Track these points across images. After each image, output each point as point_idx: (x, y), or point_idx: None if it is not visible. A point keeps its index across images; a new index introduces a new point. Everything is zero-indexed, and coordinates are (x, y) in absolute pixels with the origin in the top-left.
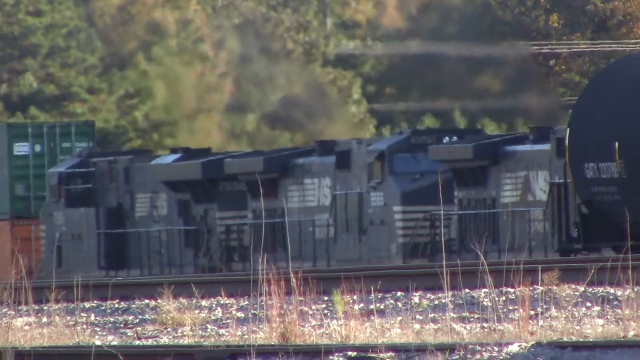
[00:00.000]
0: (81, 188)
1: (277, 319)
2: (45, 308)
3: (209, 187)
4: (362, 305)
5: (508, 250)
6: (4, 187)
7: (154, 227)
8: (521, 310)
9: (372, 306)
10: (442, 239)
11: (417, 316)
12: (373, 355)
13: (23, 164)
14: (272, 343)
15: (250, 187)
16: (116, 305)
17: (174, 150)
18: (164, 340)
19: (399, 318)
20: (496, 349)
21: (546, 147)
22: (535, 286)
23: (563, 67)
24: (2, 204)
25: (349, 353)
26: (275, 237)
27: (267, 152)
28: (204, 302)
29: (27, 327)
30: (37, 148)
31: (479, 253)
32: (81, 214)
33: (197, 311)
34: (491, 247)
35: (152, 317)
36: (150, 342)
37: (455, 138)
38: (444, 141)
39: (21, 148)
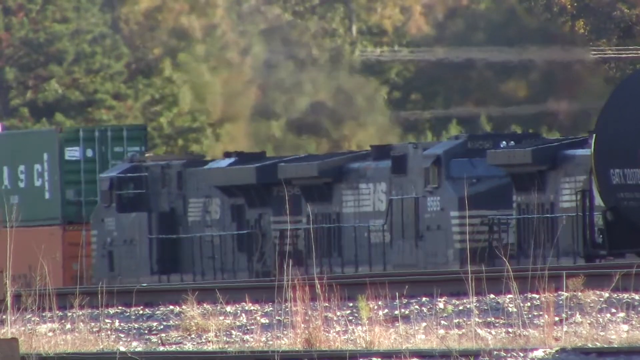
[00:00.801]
0: (133, 193)
1: (302, 325)
2: (69, 314)
3: (263, 192)
4: (386, 311)
5: (567, 255)
6: (55, 192)
7: (206, 232)
8: (546, 316)
9: (396, 312)
10: (498, 243)
11: (442, 322)
12: None
13: (74, 168)
14: (297, 349)
15: (304, 191)
16: (140, 312)
17: (227, 155)
18: (188, 346)
19: (424, 324)
20: (521, 354)
21: None
22: (560, 292)
23: (589, 73)
24: (53, 209)
25: (374, 359)
26: (330, 242)
27: (322, 156)
28: (228, 308)
29: (51, 334)
30: (89, 153)
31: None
32: (133, 219)
33: (221, 317)
34: (549, 252)
35: (177, 323)
36: (174, 348)
37: (512, 142)
38: (501, 145)
39: (72, 153)
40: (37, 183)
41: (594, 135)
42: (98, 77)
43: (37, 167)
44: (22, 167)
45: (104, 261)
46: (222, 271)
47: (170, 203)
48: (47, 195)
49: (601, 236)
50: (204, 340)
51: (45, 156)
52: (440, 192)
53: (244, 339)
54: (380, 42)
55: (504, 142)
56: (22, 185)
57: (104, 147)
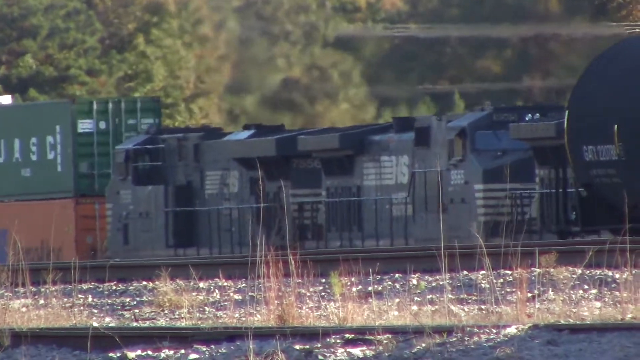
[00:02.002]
0: (149, 165)
1: (275, 301)
2: (42, 290)
3: (283, 164)
4: (360, 287)
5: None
6: (67, 165)
7: (224, 205)
8: (519, 292)
9: (370, 288)
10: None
11: (415, 298)
12: (370, 337)
13: (87, 141)
14: (270, 325)
15: (324, 164)
16: (114, 287)
17: (246, 127)
18: (161, 322)
19: (397, 300)
20: (494, 331)
21: None
22: (532, 269)
23: (562, 49)
24: (66, 182)
25: (347, 335)
26: (351, 215)
27: (342, 128)
28: (201, 284)
29: (24, 309)
30: (102, 125)
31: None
32: (149, 192)
33: (194, 293)
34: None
35: (150, 299)
36: (147, 324)
37: (537, 115)
38: (527, 119)
39: (85, 125)
40: (50, 156)
41: (567, 111)
42: (72, 53)
43: (50, 139)
44: (34, 140)
45: (119, 234)
46: (240, 245)
47: (187, 176)
48: (59, 168)
49: (574, 213)
50: (177, 316)
51: (57, 128)
52: (465, 164)
53: (217, 315)
54: (353, 19)
55: (529, 115)
56: (34, 158)
57: (117, 119)
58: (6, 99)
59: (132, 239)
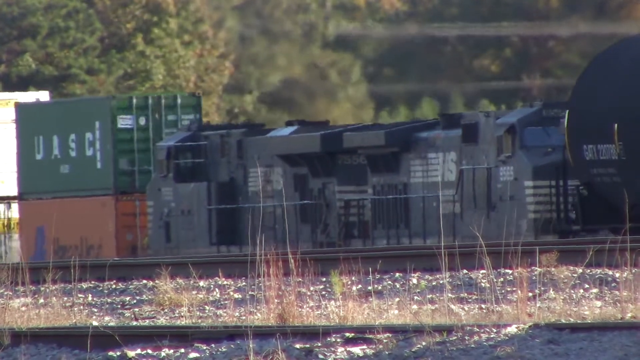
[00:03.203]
0: (191, 162)
1: (275, 300)
2: (42, 289)
3: (328, 161)
4: (360, 286)
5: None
6: (107, 162)
7: (267, 203)
8: (519, 291)
9: (370, 287)
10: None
11: (415, 297)
12: (371, 336)
13: (127, 137)
14: (270, 324)
15: (370, 161)
16: (114, 286)
17: (289, 123)
18: (161, 321)
19: (397, 299)
20: (494, 330)
21: None
22: (533, 268)
23: (562, 48)
24: (105, 179)
25: (347, 334)
26: (397, 213)
27: (388, 125)
28: (201, 283)
29: (24, 308)
30: (142, 121)
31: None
32: (191, 189)
33: (194, 292)
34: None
35: (150, 297)
36: (147, 322)
37: None
38: None
39: (125, 121)
40: (89, 152)
41: (567, 110)
42: (71, 52)
43: (89, 135)
44: (72, 136)
45: (160, 232)
46: (284, 242)
47: (229, 172)
48: (98, 165)
49: (574, 212)
50: (177, 315)
51: (97, 124)
52: (514, 161)
53: (217, 313)
54: (353, 18)
55: None
56: (72, 154)
57: (157, 115)
58: (43, 95)
59: (174, 236)
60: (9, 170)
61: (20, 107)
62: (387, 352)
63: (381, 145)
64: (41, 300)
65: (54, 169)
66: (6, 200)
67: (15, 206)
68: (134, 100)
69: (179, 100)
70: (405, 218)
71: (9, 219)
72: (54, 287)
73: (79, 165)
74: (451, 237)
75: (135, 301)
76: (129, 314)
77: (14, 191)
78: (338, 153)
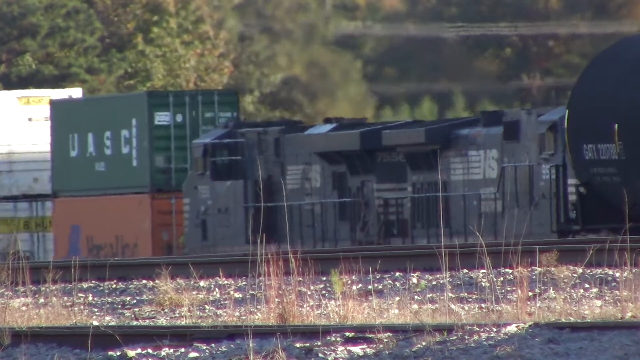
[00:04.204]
0: (228, 160)
1: (275, 300)
2: (42, 289)
3: (367, 159)
4: (360, 285)
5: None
6: (143, 159)
7: (305, 201)
8: (519, 291)
9: (370, 286)
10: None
11: (415, 296)
12: (371, 335)
13: (163, 134)
14: (270, 324)
15: (409, 158)
16: (114, 286)
17: (327, 121)
18: (162, 321)
19: (397, 298)
20: (494, 329)
21: None
22: (533, 267)
23: (563, 48)
24: (141, 176)
25: (347, 333)
26: (437, 211)
27: (428, 122)
28: (202, 283)
29: (24, 308)
30: (179, 118)
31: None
32: (228, 186)
33: (194, 292)
34: None
35: (150, 297)
36: (147, 322)
37: None
38: None
39: (162, 118)
40: (125, 150)
41: (567, 110)
42: (72, 52)
43: (125, 133)
44: (108, 133)
45: (197, 230)
46: (322, 241)
47: (267, 170)
48: (134, 163)
49: (574, 211)
50: (177, 315)
51: (133, 122)
52: (557, 159)
53: (218, 313)
54: (353, 17)
55: None
56: (108, 152)
57: (194, 112)
58: (76, 92)
59: (211, 235)
60: (43, 168)
61: (54, 104)
62: (387, 352)
63: (421, 142)
64: (41, 300)
65: (88, 166)
66: (40, 198)
67: (49, 204)
68: (171, 97)
69: (215, 97)
70: (445, 216)
71: (43, 218)
72: (54, 287)
73: (115, 163)
74: (492, 236)
75: (135, 301)
76: (129, 314)
77: (47, 189)
78: (377, 151)
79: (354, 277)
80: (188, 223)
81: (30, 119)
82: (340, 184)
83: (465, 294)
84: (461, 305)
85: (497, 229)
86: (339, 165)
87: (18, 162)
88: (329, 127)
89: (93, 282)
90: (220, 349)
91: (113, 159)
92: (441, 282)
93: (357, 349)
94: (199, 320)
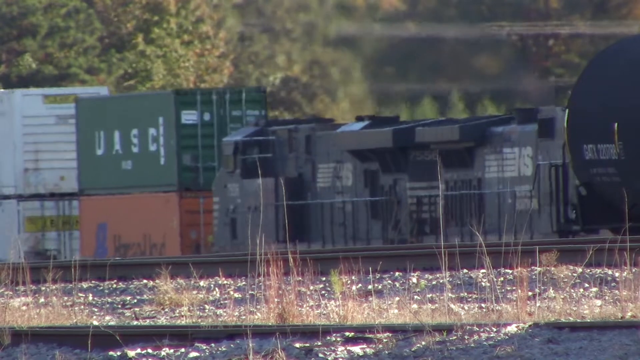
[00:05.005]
0: (258, 158)
1: (275, 300)
2: (42, 288)
3: (399, 156)
4: (360, 285)
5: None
6: (171, 158)
7: (337, 199)
8: (519, 291)
9: (370, 287)
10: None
11: (415, 296)
12: (370, 335)
13: (191, 133)
14: (270, 324)
15: (443, 156)
16: (114, 286)
17: (359, 118)
18: (162, 320)
19: (397, 298)
20: (494, 329)
21: None
22: (533, 267)
23: (562, 48)
24: (169, 175)
25: (347, 333)
26: (472, 209)
27: (461, 120)
28: (201, 283)
29: (24, 307)
30: (206, 116)
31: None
32: (258, 185)
33: (194, 291)
34: None
35: (150, 297)
36: (147, 322)
37: None
38: None
39: (189, 116)
40: (152, 148)
41: (567, 110)
42: (71, 52)
43: (152, 131)
44: (134, 132)
45: (226, 229)
46: (354, 239)
47: (298, 168)
48: (162, 161)
49: (574, 211)
50: (177, 315)
51: (160, 120)
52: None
53: (217, 313)
54: (353, 17)
55: None
56: (135, 150)
57: (222, 110)
58: (102, 90)
59: (240, 233)
60: (69, 166)
61: (80, 102)
62: (387, 352)
63: (455, 140)
64: (42, 300)
65: (115, 164)
66: (67, 196)
67: (75, 203)
68: (199, 96)
69: (243, 96)
70: (479, 214)
71: (70, 216)
72: (54, 287)
73: (142, 161)
74: (528, 234)
75: (135, 301)
76: (130, 314)
77: (74, 187)
78: (410, 148)
79: (353, 277)
80: (217, 222)
81: (56, 117)
82: (372, 182)
83: (465, 294)
84: (461, 305)
85: (532, 227)
86: (371, 163)
87: (45, 160)
88: (361, 124)
89: (93, 282)
90: (220, 349)
91: (140, 157)
92: (441, 282)
93: (356, 349)
94: (199, 320)
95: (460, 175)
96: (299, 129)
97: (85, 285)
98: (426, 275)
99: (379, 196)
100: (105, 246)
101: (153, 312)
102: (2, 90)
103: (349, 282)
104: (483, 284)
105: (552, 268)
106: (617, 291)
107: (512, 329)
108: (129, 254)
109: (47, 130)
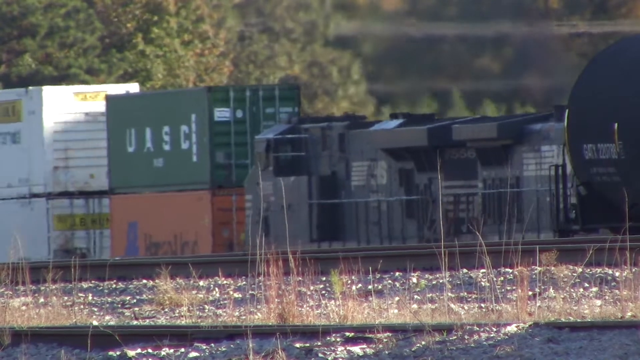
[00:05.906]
0: (292, 156)
1: (275, 300)
2: (42, 288)
3: (434, 155)
4: (360, 285)
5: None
6: (203, 155)
7: (371, 198)
8: (519, 290)
9: (370, 286)
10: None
11: (415, 296)
12: (371, 335)
13: (224, 130)
14: (270, 324)
15: (480, 154)
16: (114, 286)
17: (394, 116)
18: (161, 320)
19: (397, 298)
20: (494, 329)
21: None
22: (533, 267)
23: (562, 47)
24: (201, 173)
25: (347, 334)
26: (509, 207)
27: (498, 117)
28: (201, 283)
29: (24, 307)
30: (239, 113)
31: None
32: (292, 183)
33: (194, 291)
34: None
35: (150, 297)
36: (147, 322)
37: None
38: None
39: (222, 114)
40: (184, 145)
41: (567, 109)
42: (71, 52)
43: (184, 128)
44: (166, 129)
45: (258, 227)
46: (389, 238)
47: (331, 166)
48: (194, 159)
49: (574, 211)
50: (177, 315)
51: (192, 117)
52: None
53: (217, 313)
54: (353, 16)
55: None
56: (166, 147)
57: (254, 107)
58: (133, 87)
59: (273, 231)
60: (99, 164)
61: (110, 100)
62: (387, 352)
63: (492, 137)
64: (41, 300)
65: (146, 162)
66: (97, 194)
67: (105, 201)
68: (231, 93)
69: (277, 92)
70: (517, 213)
71: (99, 214)
72: (54, 287)
73: (174, 159)
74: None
75: (135, 301)
76: (129, 314)
77: (104, 185)
78: (445, 147)
79: (353, 277)
80: (250, 220)
81: (86, 115)
82: (407, 181)
83: (465, 294)
84: (461, 305)
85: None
86: (405, 162)
87: (74, 158)
88: (395, 122)
89: (93, 281)
90: (220, 349)
91: (172, 154)
92: (441, 281)
93: (356, 349)
94: (199, 320)
95: (498, 173)
96: (332, 127)
97: (85, 285)
98: (426, 275)
99: (414, 195)
100: (136, 245)
101: (153, 312)
102: (32, 87)
103: (349, 282)
104: (483, 283)
105: (552, 268)
106: (617, 291)
107: (512, 328)
108: (159, 253)
109: (76, 128)
